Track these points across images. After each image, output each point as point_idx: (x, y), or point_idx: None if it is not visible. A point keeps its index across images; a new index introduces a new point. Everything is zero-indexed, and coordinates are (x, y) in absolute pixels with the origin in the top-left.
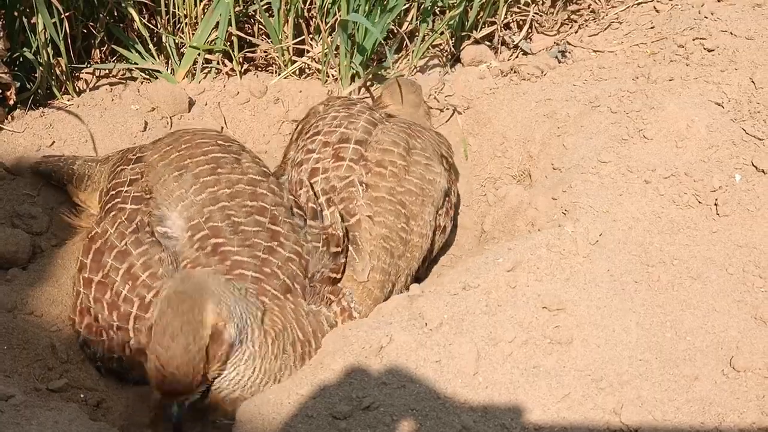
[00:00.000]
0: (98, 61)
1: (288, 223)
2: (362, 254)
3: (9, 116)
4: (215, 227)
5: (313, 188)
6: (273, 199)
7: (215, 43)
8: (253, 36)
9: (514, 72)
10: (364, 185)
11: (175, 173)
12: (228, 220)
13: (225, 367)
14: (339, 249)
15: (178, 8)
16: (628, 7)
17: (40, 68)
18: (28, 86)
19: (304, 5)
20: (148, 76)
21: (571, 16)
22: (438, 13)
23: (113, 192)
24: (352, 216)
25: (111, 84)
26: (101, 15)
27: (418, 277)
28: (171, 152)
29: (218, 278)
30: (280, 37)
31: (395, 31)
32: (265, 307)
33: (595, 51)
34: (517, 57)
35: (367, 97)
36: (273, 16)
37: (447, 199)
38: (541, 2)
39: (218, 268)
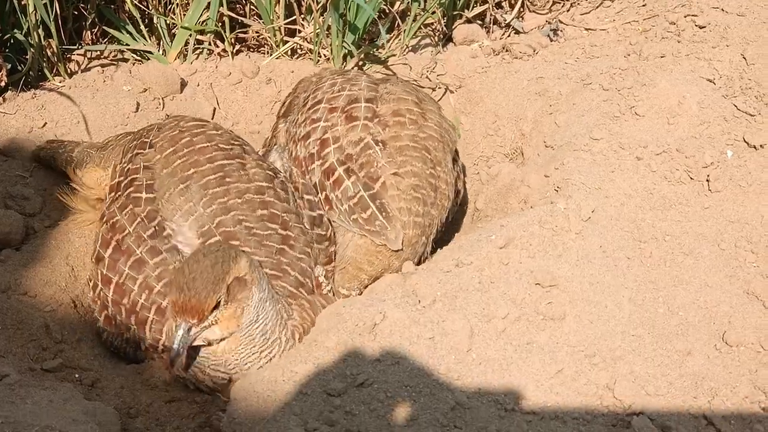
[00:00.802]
0: (89, 42)
1: (298, 227)
2: (393, 222)
3: (0, 98)
4: (228, 231)
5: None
6: (282, 206)
7: (207, 24)
8: (245, 16)
9: (506, 51)
10: (380, 143)
11: (180, 186)
12: (240, 225)
13: (239, 319)
14: (328, 242)
15: None
16: None
17: (31, 50)
18: (20, 68)
19: None
20: (139, 58)
21: None
22: None
23: (130, 178)
24: (376, 180)
25: (102, 65)
26: None
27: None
28: (172, 157)
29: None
30: (271, 17)
31: (387, 10)
32: (296, 304)
33: (586, 29)
34: (509, 36)
35: None
36: None
37: (456, 163)
38: None
39: None
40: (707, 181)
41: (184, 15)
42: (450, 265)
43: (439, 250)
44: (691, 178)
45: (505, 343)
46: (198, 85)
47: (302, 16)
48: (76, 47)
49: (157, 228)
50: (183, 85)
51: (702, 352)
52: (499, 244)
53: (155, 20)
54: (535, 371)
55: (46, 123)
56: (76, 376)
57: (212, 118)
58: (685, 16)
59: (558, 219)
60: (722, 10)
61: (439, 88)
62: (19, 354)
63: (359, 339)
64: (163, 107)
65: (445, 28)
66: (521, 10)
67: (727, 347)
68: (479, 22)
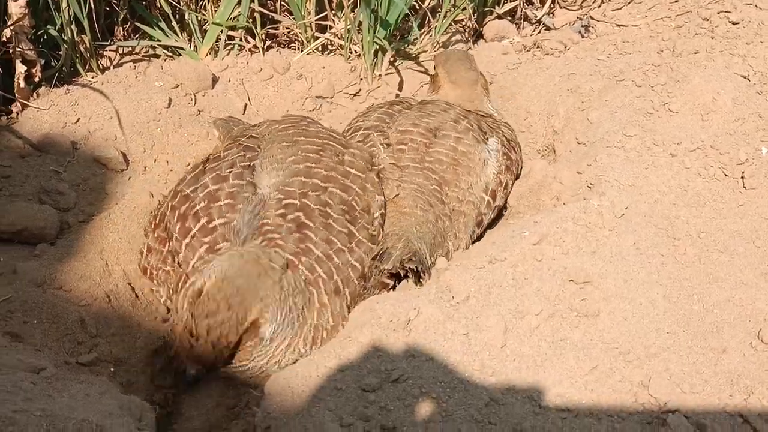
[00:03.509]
0: (122, 38)
1: (366, 230)
2: (388, 183)
3: (34, 93)
4: (307, 206)
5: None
6: (363, 202)
7: (238, 20)
8: (276, 12)
9: (537, 47)
10: (384, 145)
11: (284, 143)
12: (322, 208)
13: (249, 356)
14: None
15: None
16: None
17: (65, 45)
18: (53, 63)
19: None
20: (171, 53)
21: None
22: None
23: (249, 135)
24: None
25: (134, 61)
26: None
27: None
28: (290, 128)
29: (275, 273)
30: (302, 13)
31: (417, 6)
32: (320, 303)
33: (618, 25)
34: (539, 32)
35: (391, 73)
36: None
37: (506, 157)
38: None
39: (291, 247)
40: (742, 178)
41: (216, 11)
42: (483, 262)
43: (472, 246)
44: (725, 175)
45: (539, 339)
46: (229, 80)
47: (333, 12)
48: (108, 43)
49: (251, 164)
50: (214, 80)
51: (737, 350)
52: (532, 240)
53: (187, 16)
54: (569, 368)
55: (79, 118)
56: (111, 369)
57: (243, 114)
58: (718, 13)
59: (591, 216)
60: (756, 6)
61: None
62: (55, 348)
63: (393, 335)
64: (195, 103)
65: (475, 25)
66: (552, 6)
67: (763, 345)
68: (510, 18)
